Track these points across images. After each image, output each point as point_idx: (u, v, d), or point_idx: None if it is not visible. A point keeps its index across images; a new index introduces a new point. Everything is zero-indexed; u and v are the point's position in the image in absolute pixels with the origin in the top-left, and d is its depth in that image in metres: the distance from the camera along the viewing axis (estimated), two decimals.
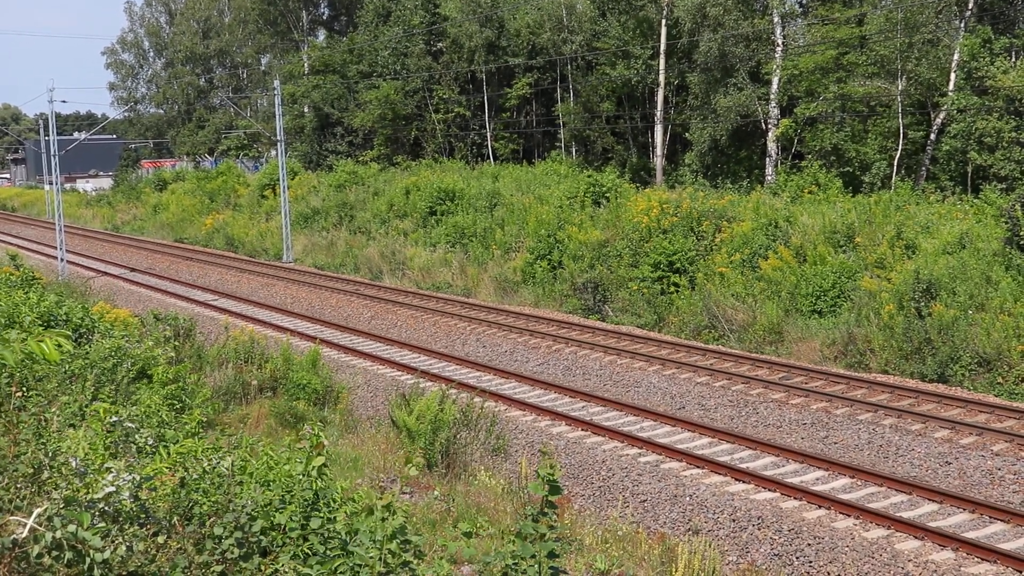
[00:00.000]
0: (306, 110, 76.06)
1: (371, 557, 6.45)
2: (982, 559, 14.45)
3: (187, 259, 56.20)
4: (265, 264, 52.62)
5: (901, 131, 40.74)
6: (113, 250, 63.14)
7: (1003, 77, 36.83)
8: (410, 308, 37.17)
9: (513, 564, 6.78)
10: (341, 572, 6.46)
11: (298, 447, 8.23)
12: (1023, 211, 26.55)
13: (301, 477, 7.49)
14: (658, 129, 52.57)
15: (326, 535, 6.88)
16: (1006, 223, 27.43)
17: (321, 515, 7.06)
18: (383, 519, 6.57)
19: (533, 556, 6.69)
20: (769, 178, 44.81)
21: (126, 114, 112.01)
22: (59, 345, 6.46)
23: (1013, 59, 39.43)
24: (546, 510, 6.86)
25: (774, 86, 45.10)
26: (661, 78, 51.86)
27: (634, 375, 26.28)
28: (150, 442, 9.31)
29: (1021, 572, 14.03)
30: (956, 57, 39.49)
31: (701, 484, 17.99)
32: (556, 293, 36.56)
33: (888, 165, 40.90)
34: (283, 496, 7.29)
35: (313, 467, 7.41)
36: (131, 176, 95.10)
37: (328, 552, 6.70)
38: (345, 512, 7.43)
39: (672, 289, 32.84)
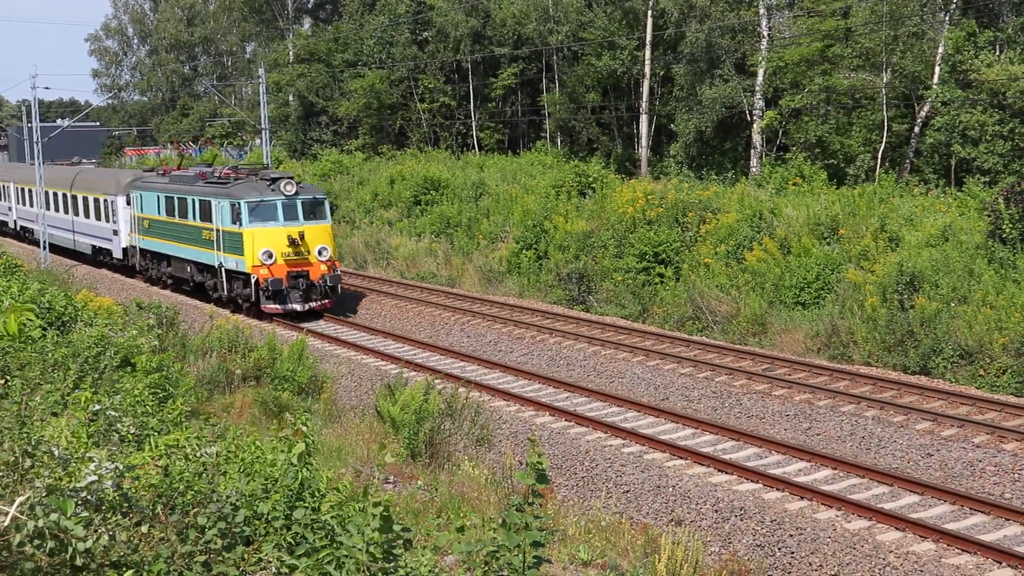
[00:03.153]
0: (291, 99, 75.74)
1: (358, 548, 6.44)
2: (963, 550, 14.54)
3: None
4: None
5: (885, 124, 40.84)
6: None
7: (987, 71, 36.92)
8: (394, 298, 37.13)
9: (495, 552, 6.79)
10: (327, 562, 6.46)
11: (280, 435, 8.21)
12: (1006, 204, 26.66)
13: (284, 465, 7.47)
14: (643, 120, 52.55)
15: (311, 525, 6.87)
16: (989, 216, 27.55)
17: (305, 504, 7.05)
18: (373, 515, 6.56)
19: (518, 546, 6.70)
20: (754, 170, 44.87)
21: (110, 101, 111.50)
22: (27, 322, 6.44)
23: (997, 53, 39.53)
24: (532, 499, 6.87)
25: (759, 78, 45.12)
26: (647, 69, 51.81)
27: (618, 366, 26.32)
28: (133, 431, 9.28)
29: (1001, 564, 14.12)
30: (940, 50, 39.58)
31: (684, 475, 18.04)
32: (541, 283, 36.57)
33: (872, 157, 41.01)
34: (266, 485, 7.28)
35: (294, 454, 7.40)
36: (114, 164, 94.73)
37: (314, 542, 6.70)
38: (329, 502, 7.43)
39: (657, 280, 32.87)
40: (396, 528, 6.54)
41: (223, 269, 34.03)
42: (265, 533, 6.78)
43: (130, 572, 5.79)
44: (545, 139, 60.59)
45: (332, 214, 37.02)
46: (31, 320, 6.59)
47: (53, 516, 5.39)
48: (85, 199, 46.50)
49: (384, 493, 6.89)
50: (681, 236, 34.19)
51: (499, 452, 19.47)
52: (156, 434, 9.67)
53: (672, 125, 50.45)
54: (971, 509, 16.14)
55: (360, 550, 6.36)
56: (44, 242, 48.64)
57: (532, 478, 6.92)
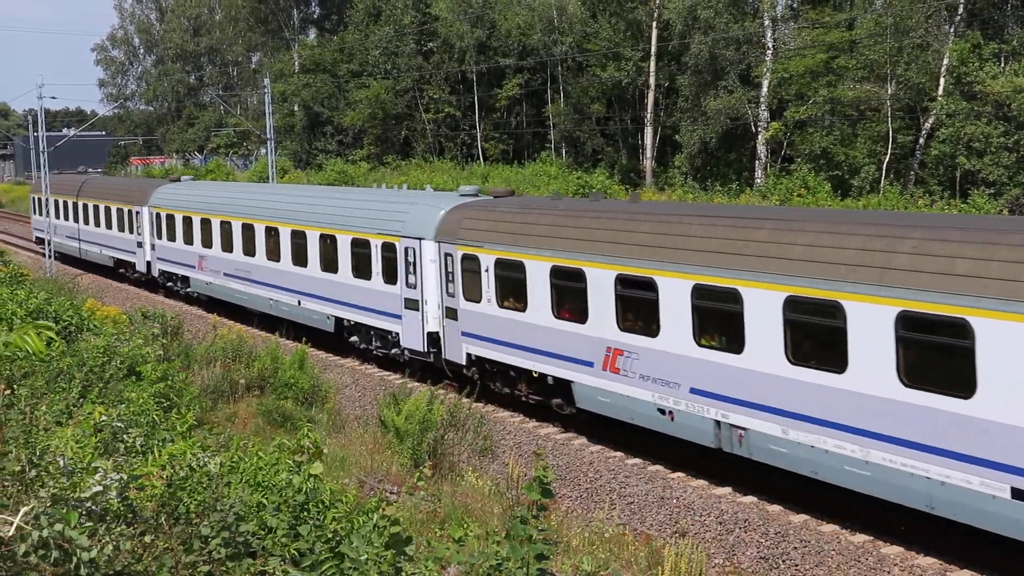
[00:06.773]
0: (296, 109, 75.97)
1: (364, 560, 6.45)
2: (966, 564, 14.46)
3: None
4: None
5: (890, 135, 40.86)
6: None
7: (992, 82, 36.96)
8: None
9: (499, 565, 6.80)
10: (331, 574, 6.46)
11: (294, 455, 8.19)
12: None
13: (299, 484, 7.48)
14: (648, 131, 52.63)
15: (316, 537, 6.88)
16: None
17: (311, 518, 7.06)
18: (381, 527, 6.57)
19: (522, 558, 6.71)
20: (758, 181, 44.89)
21: (116, 111, 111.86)
22: (48, 339, 6.46)
23: (1002, 64, 39.57)
24: (536, 512, 6.88)
25: (764, 89, 45.18)
26: (651, 80, 51.93)
27: None
28: (139, 442, 9.29)
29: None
30: (945, 62, 39.62)
31: (688, 486, 18.00)
32: None
33: (877, 169, 41.02)
34: (273, 499, 7.28)
35: (308, 474, 7.42)
36: (120, 173, 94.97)
37: (320, 553, 6.71)
38: (334, 514, 7.43)
39: None
40: (406, 545, 6.55)
41: None
42: (272, 544, 6.79)
43: None
44: (550, 149, 60.69)
45: None
46: (52, 338, 6.61)
47: (57, 526, 5.40)
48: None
49: (395, 508, 6.89)
50: None
51: (503, 463, 19.46)
52: (162, 444, 9.68)
53: (677, 136, 50.52)
54: None
55: (369, 568, 6.36)
56: (50, 252, 48.72)
57: (538, 492, 6.94)
